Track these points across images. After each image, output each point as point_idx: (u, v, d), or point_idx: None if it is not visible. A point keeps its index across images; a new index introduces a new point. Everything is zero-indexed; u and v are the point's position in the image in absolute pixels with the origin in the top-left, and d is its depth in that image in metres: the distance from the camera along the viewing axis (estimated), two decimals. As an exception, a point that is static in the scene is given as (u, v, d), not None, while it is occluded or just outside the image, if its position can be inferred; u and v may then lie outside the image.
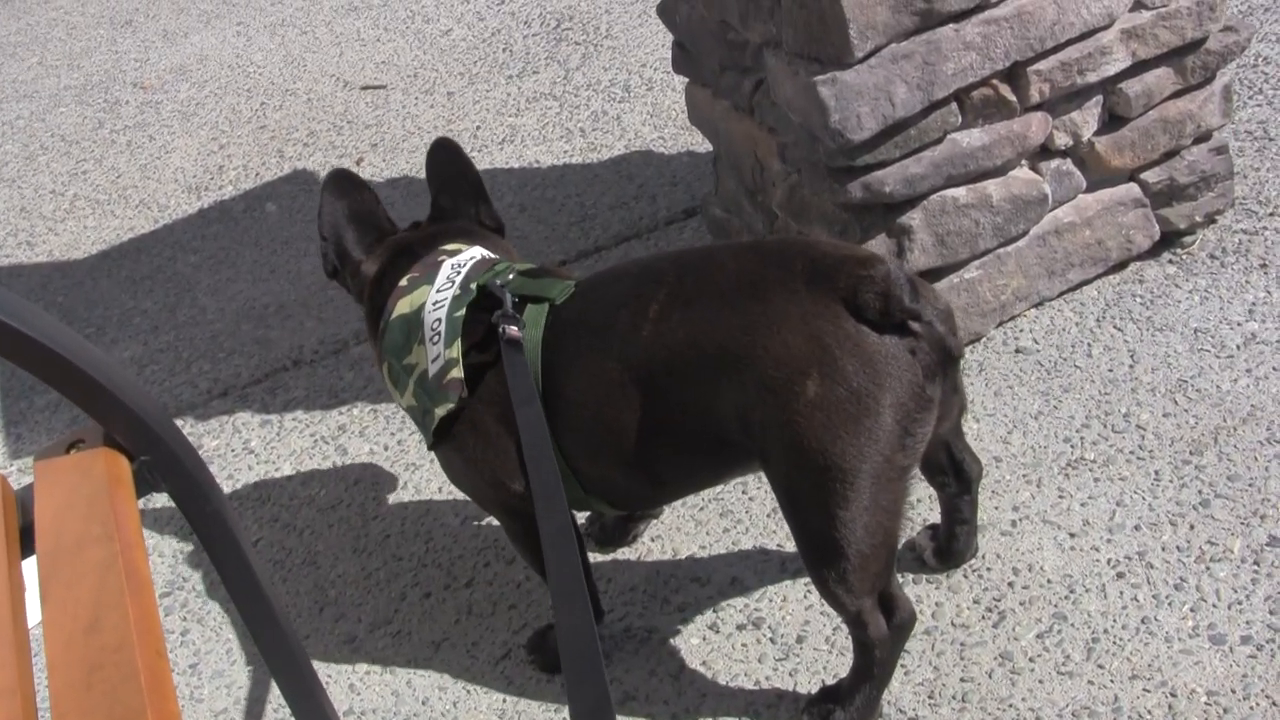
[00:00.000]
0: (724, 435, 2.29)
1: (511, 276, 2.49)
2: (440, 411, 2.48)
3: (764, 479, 3.03)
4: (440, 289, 2.51)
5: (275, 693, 2.87)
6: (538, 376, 2.38)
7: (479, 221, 2.84)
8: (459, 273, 2.53)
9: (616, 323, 2.33)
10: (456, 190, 2.84)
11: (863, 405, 2.11)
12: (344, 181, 2.77)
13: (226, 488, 3.54)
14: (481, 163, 4.99)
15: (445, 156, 2.84)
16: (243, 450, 3.72)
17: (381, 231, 2.80)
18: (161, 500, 3.49)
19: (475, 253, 2.61)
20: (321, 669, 2.87)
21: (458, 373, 2.44)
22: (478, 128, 5.33)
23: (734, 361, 2.18)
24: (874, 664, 2.38)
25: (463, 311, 2.45)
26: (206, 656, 3.03)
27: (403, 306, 2.55)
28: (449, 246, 2.66)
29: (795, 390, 2.12)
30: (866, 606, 2.29)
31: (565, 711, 2.66)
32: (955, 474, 2.61)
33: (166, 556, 3.35)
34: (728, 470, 2.48)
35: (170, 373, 4.19)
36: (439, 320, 2.47)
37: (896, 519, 2.23)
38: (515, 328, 2.37)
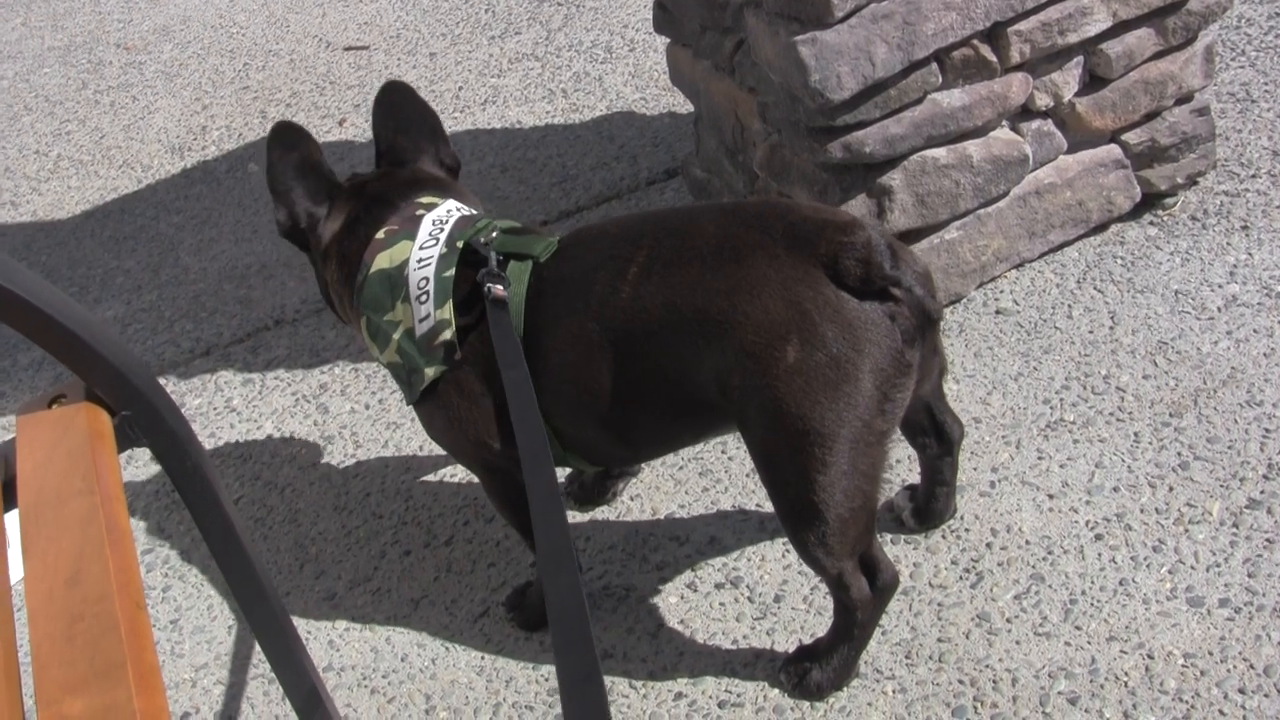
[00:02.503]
0: (703, 398, 2.30)
1: (495, 234, 2.48)
2: (431, 372, 2.48)
3: (743, 439, 3.04)
4: (424, 246, 2.49)
5: (256, 649, 2.88)
6: (520, 334, 2.39)
7: (440, 162, 2.82)
8: (441, 229, 2.51)
9: (596, 283, 2.33)
10: (416, 131, 2.81)
11: (842, 371, 2.12)
12: (291, 134, 2.71)
13: (208, 445, 3.54)
14: (464, 123, 4.98)
15: (399, 99, 2.80)
16: (225, 408, 3.72)
17: (329, 183, 2.74)
18: (144, 458, 3.50)
19: (452, 206, 2.60)
20: (301, 625, 2.88)
21: (449, 335, 2.44)
22: (460, 88, 5.32)
23: (713, 326, 2.19)
24: (854, 625, 2.40)
25: (452, 271, 2.44)
26: (187, 612, 3.03)
27: (382, 261, 2.53)
28: (424, 199, 2.64)
29: (775, 356, 2.13)
30: (848, 569, 2.31)
31: (544, 668, 2.67)
32: (936, 435, 2.62)
33: (148, 513, 3.35)
34: (706, 432, 2.49)
35: (153, 332, 4.19)
36: (426, 279, 2.46)
37: (875, 483, 2.24)
38: (501, 286, 2.37)
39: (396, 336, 2.51)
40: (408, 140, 2.79)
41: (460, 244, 2.47)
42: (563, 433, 2.47)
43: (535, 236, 2.48)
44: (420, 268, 2.47)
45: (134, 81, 6.25)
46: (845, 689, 2.48)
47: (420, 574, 2.98)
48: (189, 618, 3.02)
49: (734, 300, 2.16)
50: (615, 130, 4.69)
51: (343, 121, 5.30)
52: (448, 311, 2.43)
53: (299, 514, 3.25)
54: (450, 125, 5.01)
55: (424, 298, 2.45)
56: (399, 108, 2.80)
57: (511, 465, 2.51)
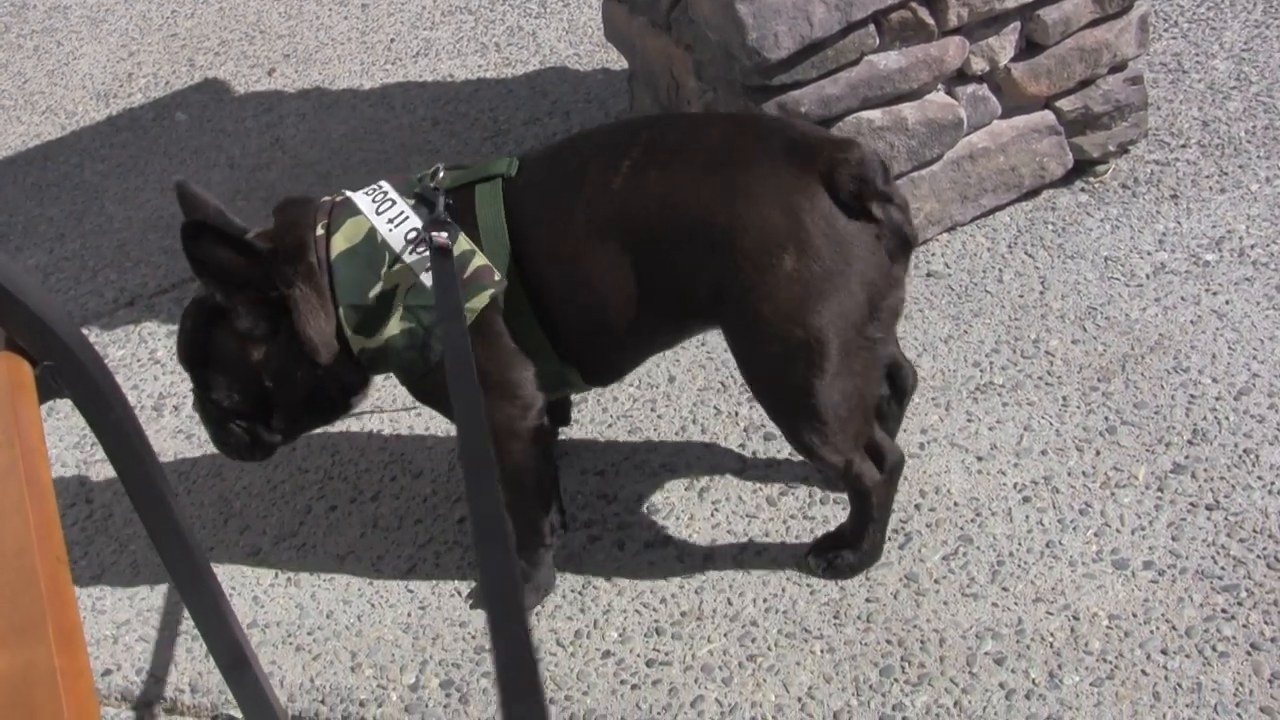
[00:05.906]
0: (691, 297, 2.32)
1: (441, 175, 2.42)
2: (477, 303, 2.33)
3: (678, 390, 3.03)
4: (381, 210, 2.40)
5: (179, 605, 2.85)
6: (507, 251, 2.34)
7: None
8: (383, 193, 2.43)
9: (587, 173, 2.33)
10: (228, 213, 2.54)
11: (835, 281, 2.19)
12: (197, 226, 2.36)
13: (132, 397, 3.49)
14: (395, 76, 4.94)
15: (198, 204, 2.50)
16: (149, 360, 3.67)
17: (243, 232, 2.46)
18: (65, 409, 3.45)
19: (370, 186, 2.49)
20: (225, 580, 2.85)
21: (480, 259, 2.33)
22: (392, 40, 5.27)
23: (711, 228, 2.22)
24: (872, 508, 2.49)
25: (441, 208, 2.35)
26: (110, 568, 3.00)
27: (339, 243, 2.40)
28: (324, 199, 2.50)
29: (772, 263, 2.18)
30: (855, 459, 2.39)
31: (471, 625, 2.66)
32: (890, 379, 2.69)
33: (70, 467, 3.31)
34: (686, 332, 2.54)
35: (76, 281, 4.13)
36: (415, 230, 2.35)
37: (871, 381, 2.33)
38: (445, 235, 2.30)
39: (399, 301, 2.38)
40: (237, 218, 2.54)
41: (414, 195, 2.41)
42: (561, 338, 2.43)
43: (488, 161, 2.45)
44: (399, 225, 2.37)
45: (58, 26, 6.15)
46: (772, 648, 2.48)
47: (346, 530, 2.96)
48: (111, 573, 2.98)
49: (734, 205, 2.21)
50: (548, 85, 4.66)
51: (272, 71, 5.24)
52: (466, 242, 2.34)
53: (223, 469, 3.22)
54: (382, 78, 4.97)
55: (423, 247, 2.35)
56: (205, 208, 2.51)
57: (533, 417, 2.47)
